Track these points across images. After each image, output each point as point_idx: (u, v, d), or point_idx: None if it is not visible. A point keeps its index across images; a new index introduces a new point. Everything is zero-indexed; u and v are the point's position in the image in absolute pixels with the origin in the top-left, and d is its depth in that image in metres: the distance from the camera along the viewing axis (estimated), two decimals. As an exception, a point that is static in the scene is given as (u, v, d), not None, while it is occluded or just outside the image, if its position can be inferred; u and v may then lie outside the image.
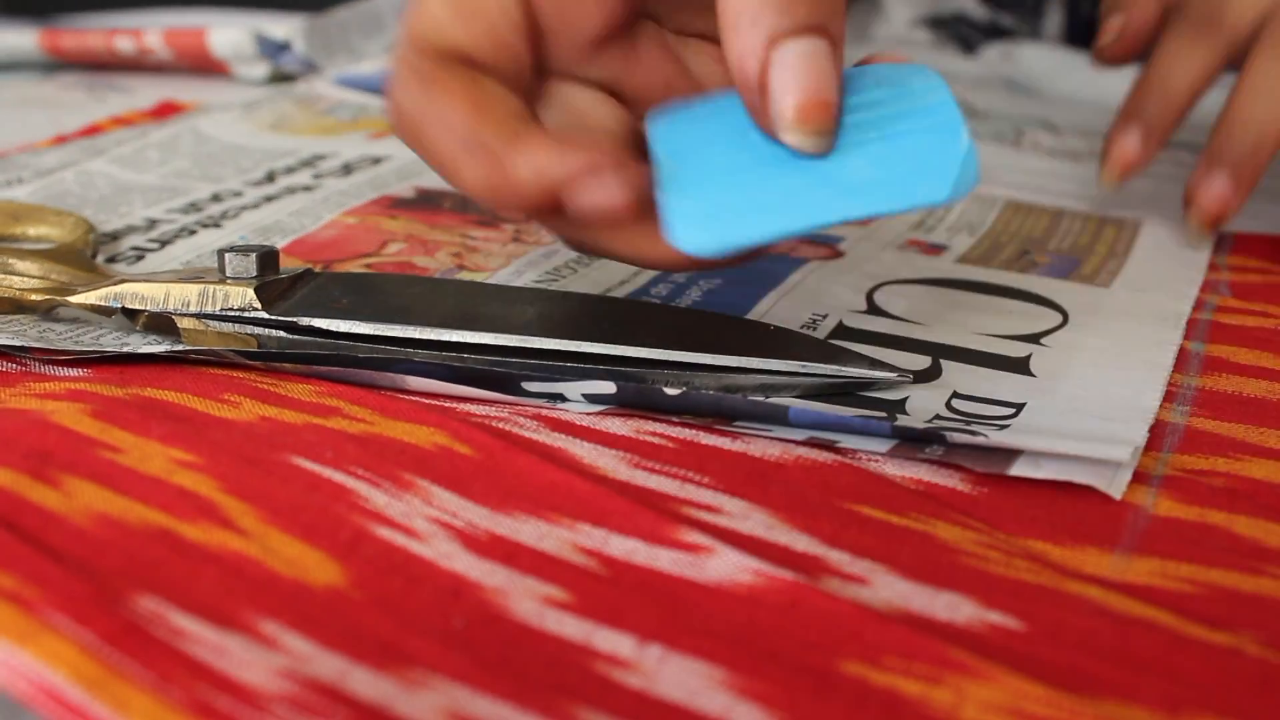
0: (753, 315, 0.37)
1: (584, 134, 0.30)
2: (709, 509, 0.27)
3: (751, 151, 0.28)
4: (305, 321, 0.33)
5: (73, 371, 0.32)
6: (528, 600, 0.24)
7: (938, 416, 0.32)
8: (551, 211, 0.28)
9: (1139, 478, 0.29)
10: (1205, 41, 0.43)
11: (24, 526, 0.25)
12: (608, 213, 0.27)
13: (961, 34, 0.82)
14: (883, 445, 0.29)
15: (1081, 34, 0.81)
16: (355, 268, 0.41)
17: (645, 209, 0.27)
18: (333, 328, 0.33)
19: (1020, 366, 0.35)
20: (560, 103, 0.31)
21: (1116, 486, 0.28)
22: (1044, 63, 0.76)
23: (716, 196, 0.27)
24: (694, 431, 0.30)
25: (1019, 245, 0.45)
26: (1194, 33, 0.43)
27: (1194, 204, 0.43)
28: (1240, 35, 0.43)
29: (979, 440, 0.29)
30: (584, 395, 0.31)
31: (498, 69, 0.29)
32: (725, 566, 0.25)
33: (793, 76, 0.26)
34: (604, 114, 0.31)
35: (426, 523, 0.26)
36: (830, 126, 0.27)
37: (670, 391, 0.31)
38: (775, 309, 0.38)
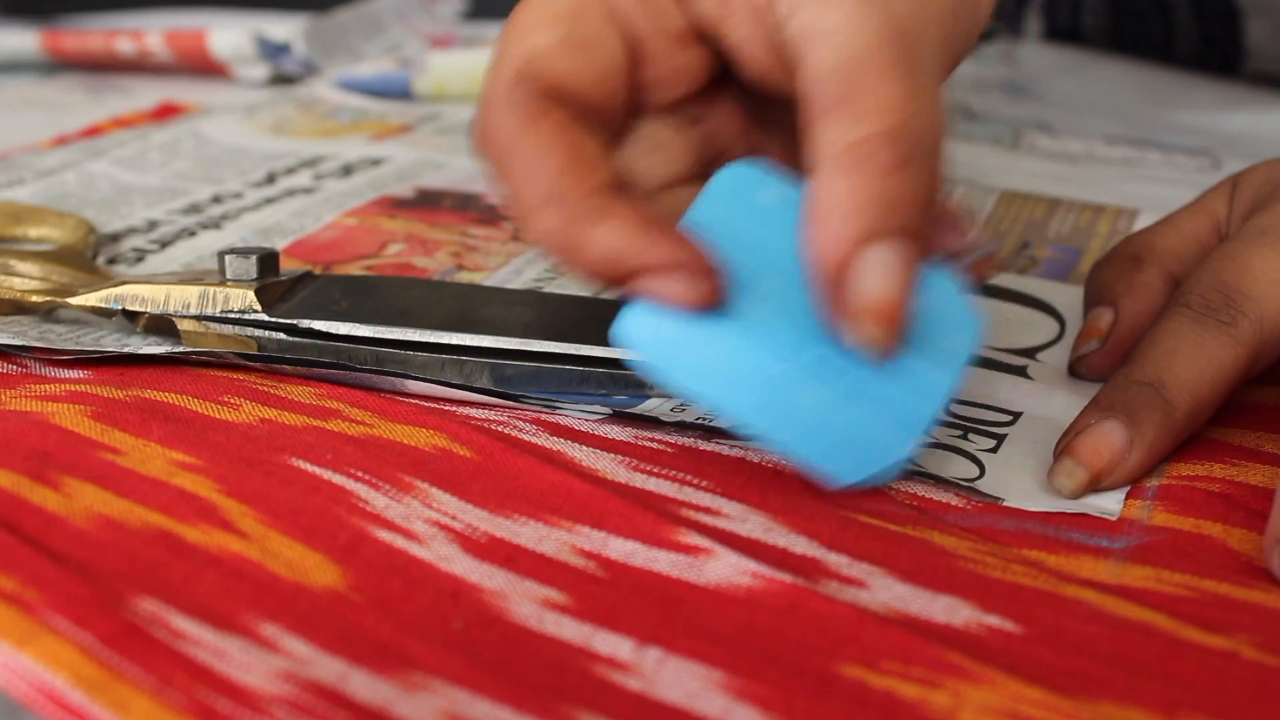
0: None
1: (668, 215, 0.27)
2: (708, 511, 0.27)
3: (767, 301, 0.26)
4: (305, 324, 0.33)
5: (73, 373, 0.32)
6: (527, 603, 0.24)
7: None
8: (611, 280, 0.27)
9: (1134, 491, 0.29)
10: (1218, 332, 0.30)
11: (24, 528, 0.25)
12: (671, 304, 0.26)
13: None
14: None
15: (1060, 40, 0.81)
16: (355, 269, 0.41)
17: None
18: (332, 330, 0.33)
19: (1018, 371, 0.35)
20: (642, 135, 0.30)
21: (1111, 511, 0.28)
22: (1042, 64, 0.76)
23: (686, 337, 0.26)
24: (692, 438, 0.30)
25: (1019, 236, 0.45)
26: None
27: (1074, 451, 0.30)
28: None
29: (965, 488, 0.29)
30: (581, 412, 0.31)
31: (598, 110, 0.28)
32: (724, 569, 0.25)
33: (879, 277, 0.25)
34: (683, 142, 0.30)
35: (426, 525, 0.26)
36: (899, 333, 0.26)
37: (667, 420, 0.31)
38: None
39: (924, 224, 0.26)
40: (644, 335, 0.26)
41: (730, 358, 0.26)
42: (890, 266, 0.25)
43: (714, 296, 0.26)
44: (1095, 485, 0.29)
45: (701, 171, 0.30)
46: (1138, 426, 0.29)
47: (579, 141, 0.27)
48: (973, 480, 0.29)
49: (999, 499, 0.29)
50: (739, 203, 0.28)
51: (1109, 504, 0.28)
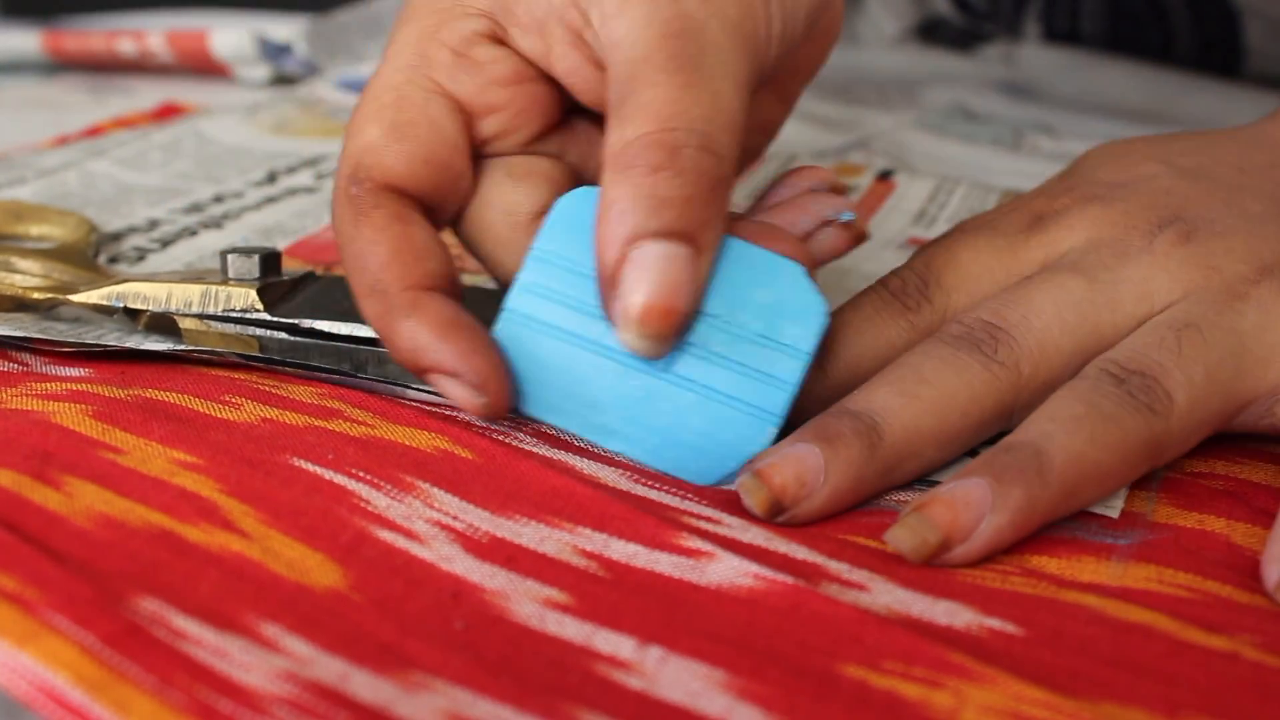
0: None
1: (474, 330, 0.28)
2: (709, 520, 0.27)
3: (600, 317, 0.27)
4: (307, 324, 0.33)
5: (74, 372, 0.32)
6: (528, 603, 0.24)
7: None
8: (415, 372, 0.28)
9: (1138, 484, 0.29)
10: None
11: (25, 527, 0.25)
12: (458, 405, 0.28)
13: (949, 37, 0.82)
14: None
15: (1057, 44, 0.81)
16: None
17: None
18: (334, 330, 0.33)
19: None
20: (504, 168, 0.31)
21: (1114, 506, 0.28)
22: (1044, 64, 0.76)
23: (540, 365, 0.28)
24: None
25: None
26: None
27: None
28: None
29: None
30: None
31: (435, 187, 0.29)
32: (726, 570, 0.25)
33: (644, 277, 0.25)
34: (549, 174, 0.31)
35: (427, 525, 0.26)
36: (669, 334, 0.26)
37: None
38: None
39: (708, 221, 0.26)
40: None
41: (583, 380, 0.28)
42: (656, 267, 0.25)
43: (494, 409, 0.28)
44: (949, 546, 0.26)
45: None
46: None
47: (406, 234, 0.29)
48: None
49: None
50: (580, 228, 0.28)
51: (1111, 500, 0.28)
